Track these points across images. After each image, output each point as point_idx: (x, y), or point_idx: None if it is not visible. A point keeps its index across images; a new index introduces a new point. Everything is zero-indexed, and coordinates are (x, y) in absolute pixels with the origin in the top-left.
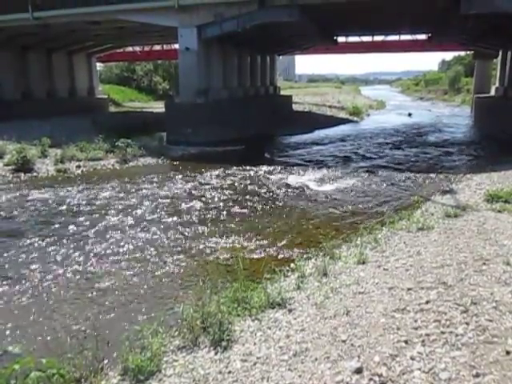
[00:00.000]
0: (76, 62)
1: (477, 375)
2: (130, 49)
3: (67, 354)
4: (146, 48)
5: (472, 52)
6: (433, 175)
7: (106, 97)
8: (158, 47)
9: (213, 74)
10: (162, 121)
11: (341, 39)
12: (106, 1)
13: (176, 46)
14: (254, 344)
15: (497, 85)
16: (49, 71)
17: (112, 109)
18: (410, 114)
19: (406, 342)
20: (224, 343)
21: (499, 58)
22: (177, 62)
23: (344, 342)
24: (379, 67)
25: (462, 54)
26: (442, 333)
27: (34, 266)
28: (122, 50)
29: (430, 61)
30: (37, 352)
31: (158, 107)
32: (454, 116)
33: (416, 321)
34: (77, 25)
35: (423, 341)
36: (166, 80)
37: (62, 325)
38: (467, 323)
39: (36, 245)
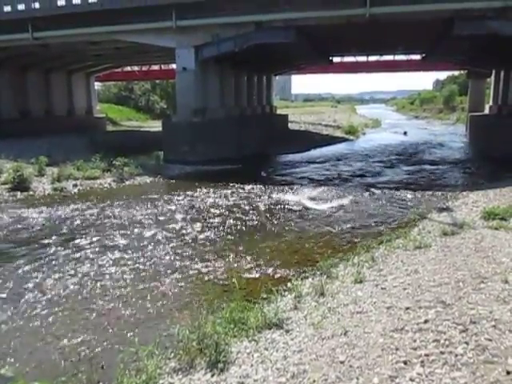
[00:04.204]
0: (74, 82)
1: None
2: (128, 68)
3: (61, 376)
4: (144, 68)
5: (466, 71)
6: (429, 193)
7: (103, 116)
8: (156, 67)
9: (210, 94)
10: (159, 140)
11: (336, 59)
12: (104, 22)
13: (174, 65)
14: (251, 365)
15: (490, 103)
16: (47, 90)
17: (110, 128)
18: (405, 133)
19: (405, 362)
20: (220, 365)
21: (492, 77)
22: (174, 82)
23: (342, 363)
24: (374, 86)
25: (456, 73)
26: (442, 353)
27: (26, 287)
28: (120, 70)
29: (424, 80)
30: (30, 375)
31: (156, 126)
32: (449, 134)
33: (415, 341)
34: (76, 45)
35: (422, 361)
36: (163, 99)
37: (56, 347)
38: (467, 343)
39: (29, 265)
